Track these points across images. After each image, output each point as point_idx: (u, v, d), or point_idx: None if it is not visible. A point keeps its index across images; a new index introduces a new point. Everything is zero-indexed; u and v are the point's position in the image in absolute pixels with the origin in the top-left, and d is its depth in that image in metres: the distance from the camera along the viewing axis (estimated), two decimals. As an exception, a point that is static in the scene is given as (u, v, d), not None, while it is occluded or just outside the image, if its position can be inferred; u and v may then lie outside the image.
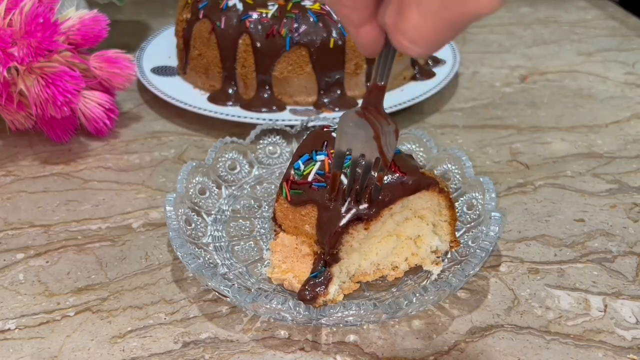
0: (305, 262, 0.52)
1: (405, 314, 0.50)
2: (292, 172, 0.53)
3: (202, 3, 0.79)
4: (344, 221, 0.49)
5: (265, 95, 0.78)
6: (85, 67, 0.72)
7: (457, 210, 0.56)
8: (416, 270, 0.55)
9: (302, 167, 0.53)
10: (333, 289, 0.50)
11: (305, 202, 0.51)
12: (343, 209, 0.49)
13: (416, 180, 0.51)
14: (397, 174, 0.51)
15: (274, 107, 0.78)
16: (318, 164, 0.52)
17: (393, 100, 0.79)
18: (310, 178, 0.51)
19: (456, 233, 0.56)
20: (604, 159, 0.71)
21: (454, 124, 0.79)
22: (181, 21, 0.82)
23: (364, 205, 0.49)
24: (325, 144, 0.54)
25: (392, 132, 0.45)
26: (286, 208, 0.52)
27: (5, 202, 0.65)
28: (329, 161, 0.52)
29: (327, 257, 0.50)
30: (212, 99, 0.79)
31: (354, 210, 0.49)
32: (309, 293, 0.50)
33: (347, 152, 0.46)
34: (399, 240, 0.54)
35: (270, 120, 0.73)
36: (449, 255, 0.55)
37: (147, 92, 0.84)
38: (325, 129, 0.57)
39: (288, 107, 0.78)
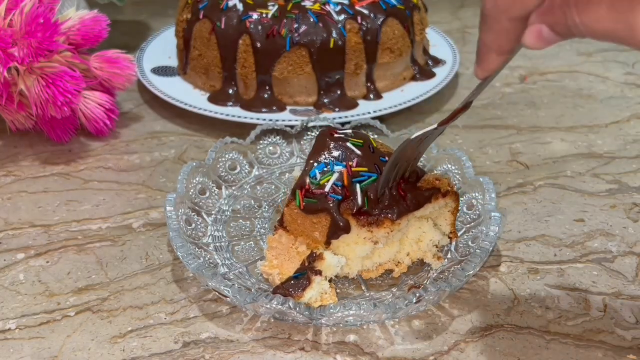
0: (295, 262, 0.52)
1: (405, 314, 0.50)
2: (308, 180, 0.52)
3: (202, 3, 0.79)
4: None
5: (265, 96, 0.78)
6: (86, 67, 0.72)
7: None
8: (417, 269, 0.55)
9: (318, 175, 0.52)
10: (310, 293, 0.50)
11: (319, 210, 0.50)
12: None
13: (415, 197, 0.52)
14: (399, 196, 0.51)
15: (274, 107, 0.78)
16: (336, 174, 0.51)
17: (393, 100, 0.79)
18: (326, 189, 0.51)
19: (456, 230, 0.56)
20: (604, 159, 0.71)
21: (453, 124, 0.79)
22: (181, 21, 0.82)
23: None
24: (343, 155, 0.53)
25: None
26: (296, 213, 0.52)
27: (6, 202, 0.65)
28: (348, 173, 0.51)
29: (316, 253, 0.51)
30: (212, 99, 0.79)
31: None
32: (281, 291, 0.49)
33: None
34: (401, 243, 0.54)
35: (270, 120, 0.73)
36: (449, 256, 0.55)
37: (147, 92, 0.84)
38: (333, 134, 0.55)
39: (288, 107, 0.78)
